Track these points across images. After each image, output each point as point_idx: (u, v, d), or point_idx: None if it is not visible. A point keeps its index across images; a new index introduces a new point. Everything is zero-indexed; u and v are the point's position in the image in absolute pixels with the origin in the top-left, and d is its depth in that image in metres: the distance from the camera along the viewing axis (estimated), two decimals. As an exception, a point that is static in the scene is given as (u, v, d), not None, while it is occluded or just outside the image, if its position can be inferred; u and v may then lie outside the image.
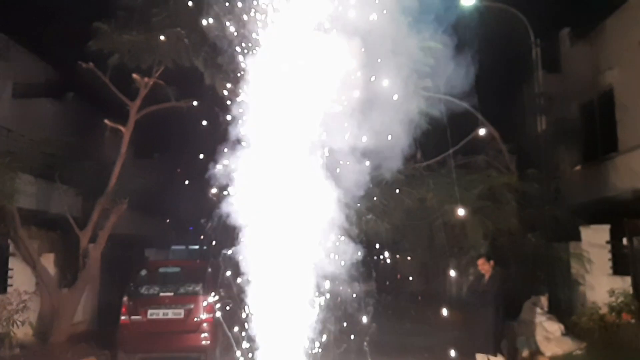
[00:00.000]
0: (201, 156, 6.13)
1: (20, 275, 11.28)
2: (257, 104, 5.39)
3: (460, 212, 8.10)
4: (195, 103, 11.11)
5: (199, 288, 9.62)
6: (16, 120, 13.13)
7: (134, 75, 10.97)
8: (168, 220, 21.47)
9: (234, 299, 5.54)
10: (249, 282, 5.20)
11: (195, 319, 9.47)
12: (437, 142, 9.53)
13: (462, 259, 10.85)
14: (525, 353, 9.16)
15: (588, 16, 13.23)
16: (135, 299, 9.64)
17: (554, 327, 9.23)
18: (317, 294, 5.26)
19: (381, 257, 9.71)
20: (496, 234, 10.20)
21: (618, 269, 10.03)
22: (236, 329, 5.49)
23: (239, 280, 5.35)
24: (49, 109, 15.13)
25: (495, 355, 7.55)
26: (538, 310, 9.54)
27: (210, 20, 5.98)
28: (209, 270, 9.46)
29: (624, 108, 11.78)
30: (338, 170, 5.43)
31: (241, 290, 5.26)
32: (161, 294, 9.73)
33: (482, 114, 10.80)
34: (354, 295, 5.64)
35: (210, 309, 9.37)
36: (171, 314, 9.55)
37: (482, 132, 10.09)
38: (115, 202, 11.36)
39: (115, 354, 9.58)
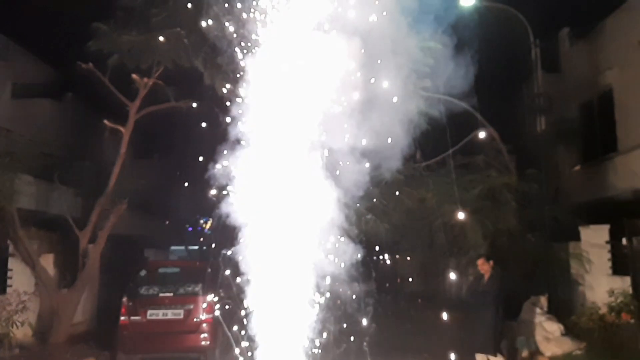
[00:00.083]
0: (201, 157, 6.13)
1: (19, 276, 11.28)
2: (256, 104, 5.39)
3: (460, 215, 8.09)
4: (194, 104, 11.12)
5: (198, 288, 9.62)
6: (15, 120, 13.11)
7: (134, 76, 10.98)
8: (167, 221, 21.46)
9: (234, 299, 5.54)
10: (248, 282, 5.20)
11: (195, 320, 9.47)
12: (437, 142, 9.53)
13: (462, 259, 10.85)
14: (524, 353, 9.16)
15: (587, 16, 13.24)
16: (134, 299, 9.63)
17: (554, 327, 9.24)
18: (316, 294, 5.26)
19: (380, 257, 9.70)
20: (496, 234, 10.19)
21: (617, 269, 10.03)
22: (236, 329, 5.49)
23: (238, 280, 5.35)
24: (48, 110, 15.10)
25: (495, 355, 7.56)
26: (538, 310, 9.54)
27: (210, 21, 5.98)
28: (209, 270, 9.46)
29: (623, 108, 11.78)
30: (337, 170, 5.43)
31: (241, 291, 5.26)
32: (161, 295, 9.73)
33: (482, 114, 10.81)
34: (354, 296, 5.64)
35: (210, 309, 9.37)
36: (171, 314, 9.55)
37: (482, 134, 10.08)
38: (115, 202, 11.36)
39: (115, 354, 9.58)
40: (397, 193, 9.81)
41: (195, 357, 9.51)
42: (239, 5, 5.59)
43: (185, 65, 10.20)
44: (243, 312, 5.27)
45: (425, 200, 10.24)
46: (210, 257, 7.37)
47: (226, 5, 5.69)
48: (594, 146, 12.82)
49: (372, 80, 5.57)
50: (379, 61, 5.59)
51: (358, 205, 7.00)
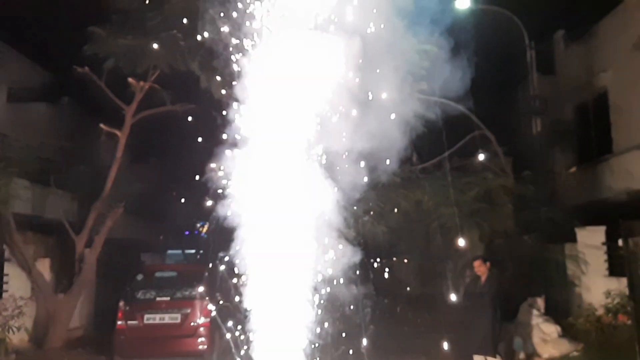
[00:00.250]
0: (197, 160, 6.13)
1: (15, 281, 11.23)
2: (253, 107, 5.39)
3: (461, 242, 8.04)
4: (191, 107, 11.13)
5: (195, 292, 9.60)
6: (11, 125, 13.09)
7: (130, 80, 10.97)
8: (164, 225, 21.42)
9: (231, 302, 5.53)
10: (246, 285, 5.19)
11: (192, 324, 9.45)
12: (433, 144, 9.55)
13: (459, 261, 10.86)
14: (521, 355, 9.17)
15: (582, 19, 13.30)
16: (131, 303, 9.61)
17: (551, 329, 9.25)
18: (314, 296, 5.26)
19: (378, 260, 9.72)
20: (492, 236, 10.21)
21: (614, 270, 10.04)
22: (233, 332, 5.48)
23: (235, 284, 5.35)
24: (44, 114, 15.07)
25: (494, 357, 7.56)
26: (535, 312, 9.56)
27: (206, 24, 5.99)
28: (206, 274, 9.45)
29: (618, 110, 11.84)
30: (334, 173, 5.44)
31: (238, 294, 5.25)
32: (157, 299, 9.70)
33: (478, 116, 10.85)
34: (352, 298, 5.64)
35: (207, 313, 9.35)
36: (168, 318, 9.53)
37: (481, 157, 10.07)
38: (111, 206, 11.34)
39: (112, 359, 9.54)
40: (393, 196, 9.83)
41: (193, 361, 9.49)
42: (235, 8, 5.59)
43: (182, 69, 10.20)
44: (240, 316, 5.26)
45: (421, 203, 10.26)
46: (208, 260, 7.35)
47: (222, 14, 5.69)
48: (589, 148, 12.86)
49: (369, 84, 5.58)
50: (375, 64, 5.61)
51: (355, 208, 7.01)
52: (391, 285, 19.52)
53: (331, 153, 5.48)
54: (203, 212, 5.69)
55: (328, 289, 5.34)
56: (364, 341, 5.83)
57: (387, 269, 20.60)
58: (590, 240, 10.30)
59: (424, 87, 8.28)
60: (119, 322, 9.50)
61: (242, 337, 5.27)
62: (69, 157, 12.06)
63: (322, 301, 5.33)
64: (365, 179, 5.75)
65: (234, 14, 5.57)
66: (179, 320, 9.48)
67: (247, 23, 5.53)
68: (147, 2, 10.07)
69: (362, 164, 5.62)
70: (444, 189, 9.57)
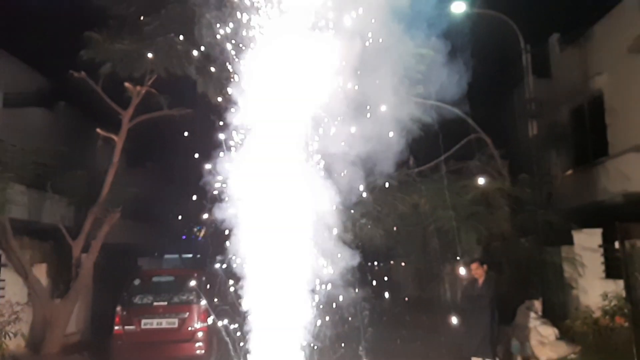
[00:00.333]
0: (194, 165, 6.13)
1: (12, 286, 11.17)
2: (249, 111, 5.40)
3: (462, 271, 8.05)
4: (188, 111, 11.13)
5: (192, 297, 9.59)
6: (7, 130, 13.05)
7: (126, 84, 10.96)
8: (161, 229, 21.39)
9: (229, 306, 5.53)
10: (243, 289, 5.19)
11: (190, 328, 9.43)
12: (430, 148, 9.58)
13: (456, 264, 10.87)
14: (519, 358, 9.17)
15: (577, 22, 13.37)
16: (128, 308, 9.59)
17: (548, 332, 9.26)
18: (312, 299, 5.26)
19: (376, 263, 9.73)
20: (489, 239, 10.23)
21: (611, 272, 10.07)
22: (232, 336, 5.47)
23: (233, 288, 5.34)
24: (40, 119, 15.05)
25: (492, 359, 7.56)
26: (532, 314, 9.56)
27: (203, 29, 6.00)
28: (203, 278, 9.44)
29: (613, 112, 11.89)
30: (332, 176, 5.45)
31: (236, 298, 5.25)
32: (155, 304, 9.68)
33: (474, 119, 10.89)
34: (350, 302, 5.64)
35: (205, 317, 9.33)
36: (165, 323, 9.50)
37: (480, 182, 10.06)
38: (108, 211, 11.31)
39: (109, 364, 9.52)
40: (390, 199, 9.85)
41: (191, 365, 9.46)
42: (232, 14, 5.61)
43: (178, 73, 10.20)
44: (239, 319, 5.26)
45: (418, 206, 10.27)
46: (205, 265, 7.35)
47: (218, 25, 5.70)
48: (585, 150, 12.91)
49: (365, 88, 5.60)
50: (371, 68, 5.63)
51: (352, 211, 7.01)
52: (389, 288, 19.56)
53: (328, 156, 5.49)
54: (200, 216, 5.70)
55: (326, 292, 5.34)
56: (362, 344, 5.83)
57: (385, 272, 20.64)
58: (587, 242, 10.33)
59: (420, 90, 8.32)
60: (117, 327, 9.48)
61: (241, 340, 5.27)
62: (66, 162, 12.01)
63: (320, 304, 5.33)
64: (362, 183, 5.76)
65: (231, 15, 5.59)
66: (176, 325, 9.46)
67: (244, 28, 5.55)
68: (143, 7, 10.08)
69: (359, 167, 5.64)
70: (441, 192, 9.59)
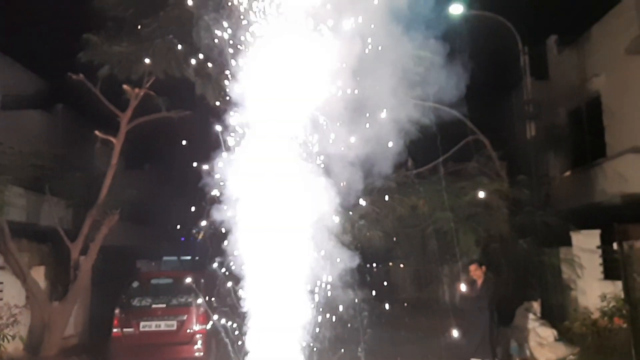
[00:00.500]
0: (192, 166, 6.13)
1: (10, 289, 11.14)
2: (248, 112, 5.40)
3: (462, 288, 7.97)
4: (186, 113, 11.13)
5: (191, 299, 9.57)
6: (5, 132, 13.04)
7: (125, 86, 10.96)
8: (160, 231, 21.36)
9: (228, 308, 5.52)
10: (242, 291, 5.19)
11: (188, 330, 9.41)
12: (428, 149, 9.60)
13: (455, 265, 10.88)
14: (518, 359, 9.17)
15: (574, 23, 13.42)
16: (127, 311, 9.57)
17: (547, 333, 9.27)
18: (311, 301, 5.26)
19: (375, 264, 9.74)
20: (488, 240, 10.24)
21: (609, 273, 10.08)
22: (231, 338, 5.47)
23: (232, 289, 5.34)
24: (38, 121, 15.04)
25: (492, 360, 7.57)
26: (531, 316, 9.57)
27: (201, 31, 6.00)
28: (202, 280, 9.43)
29: (611, 114, 11.92)
30: (330, 178, 5.45)
31: (235, 300, 5.25)
32: (153, 306, 9.67)
33: (472, 121, 10.91)
34: (349, 303, 5.64)
35: (203, 319, 9.32)
36: (164, 325, 9.49)
37: (480, 195, 9.97)
38: (107, 213, 11.29)
39: (108, 367, 9.50)
40: (389, 200, 9.85)
41: (189, 368, 9.44)
42: (230, 15, 5.62)
43: (177, 75, 10.20)
44: (238, 321, 5.26)
45: (417, 208, 10.28)
46: (204, 266, 7.34)
47: (217, 29, 5.70)
48: (583, 152, 12.93)
49: (364, 90, 5.61)
50: (370, 70, 5.64)
51: (351, 213, 7.02)
52: (388, 289, 19.57)
53: (327, 158, 5.49)
54: (199, 218, 5.70)
55: (325, 294, 5.35)
56: (361, 345, 5.83)
57: (383, 274, 20.64)
58: (585, 244, 10.34)
59: (418, 92, 8.32)
60: (115, 330, 9.45)
61: (240, 342, 5.26)
62: (64, 164, 12.01)
63: (319, 306, 5.33)
64: (361, 184, 5.77)
65: (229, 18, 5.59)
66: (175, 328, 9.44)
67: (242, 30, 5.55)
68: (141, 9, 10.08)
69: (358, 169, 5.64)
70: (439, 194, 9.60)
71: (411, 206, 10.31)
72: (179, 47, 9.71)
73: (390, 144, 5.86)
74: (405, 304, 17.15)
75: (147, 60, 9.89)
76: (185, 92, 10.46)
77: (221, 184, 5.41)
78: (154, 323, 9.49)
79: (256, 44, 5.52)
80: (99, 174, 11.76)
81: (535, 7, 14.91)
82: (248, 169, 5.23)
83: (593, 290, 9.89)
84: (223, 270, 5.39)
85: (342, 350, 5.81)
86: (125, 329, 9.43)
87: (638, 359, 8.17)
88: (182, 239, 23.98)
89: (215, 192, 5.47)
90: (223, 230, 5.29)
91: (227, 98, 5.57)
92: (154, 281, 10.70)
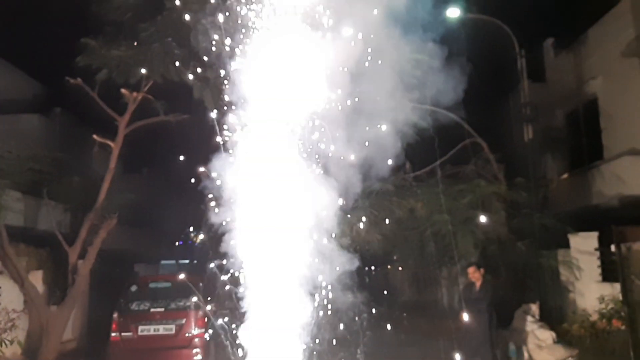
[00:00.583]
0: (190, 170, 6.13)
1: (8, 293, 11.11)
2: (246, 113, 5.41)
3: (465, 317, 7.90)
4: (184, 116, 11.14)
5: (189, 303, 9.56)
6: (2, 136, 13.03)
7: (123, 90, 10.96)
8: (158, 235, 21.35)
9: (227, 311, 5.52)
10: (241, 294, 5.19)
11: (187, 334, 9.40)
12: (426, 152, 9.61)
13: (453, 268, 10.89)
14: (517, 361, 9.19)
15: (571, 26, 13.47)
16: (125, 315, 9.55)
17: (546, 335, 9.27)
18: (310, 303, 5.26)
19: (373, 267, 9.75)
20: (486, 243, 10.25)
21: (607, 275, 10.10)
22: (229, 341, 5.46)
23: (230, 293, 5.34)
24: (36, 125, 15.03)
25: (491, 363, 7.57)
26: (529, 318, 9.57)
27: (199, 35, 6.02)
28: (200, 284, 9.42)
29: (608, 116, 11.97)
30: (328, 180, 5.46)
31: (234, 303, 5.25)
32: (152, 310, 9.65)
33: (469, 124, 10.94)
34: (348, 306, 5.65)
35: (202, 323, 9.31)
36: (162, 329, 9.47)
37: (482, 220, 9.88)
38: (105, 217, 11.28)
39: (106, 371, 9.48)
40: (387, 203, 9.87)
41: (188, 372, 9.42)
42: (227, 18, 5.63)
43: (175, 79, 10.21)
44: (237, 324, 5.25)
45: (415, 211, 10.30)
46: (202, 270, 7.34)
47: (214, 23, 5.71)
48: (580, 154, 12.98)
49: (361, 92, 5.63)
50: (367, 73, 5.65)
51: (349, 216, 7.02)
52: (387, 292, 19.57)
53: (325, 161, 5.50)
54: (196, 221, 5.70)
55: (324, 296, 5.35)
56: (361, 347, 5.82)
57: (382, 276, 20.64)
58: (583, 246, 10.36)
59: (416, 95, 8.34)
60: (113, 334, 9.44)
61: (239, 345, 5.26)
62: (62, 169, 12.00)
63: (318, 309, 5.33)
64: (359, 187, 5.78)
65: (227, 21, 5.60)
66: (173, 331, 9.43)
67: (240, 31, 5.57)
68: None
69: (356, 172, 5.65)
70: (437, 197, 9.62)
71: (409, 209, 10.32)
72: (177, 51, 9.73)
73: (388, 147, 5.87)
74: (404, 307, 17.16)
75: (143, 71, 9.95)
76: (183, 96, 10.47)
77: (219, 185, 5.41)
78: (152, 327, 9.48)
79: (254, 45, 5.53)
80: (97, 178, 11.75)
81: (532, 11, 14.98)
82: (246, 170, 5.23)
83: (591, 293, 9.91)
84: (222, 273, 5.38)
85: (341, 352, 5.80)
86: (123, 333, 9.41)
87: (636, 360, 8.18)
88: (180, 242, 23.99)
89: (213, 195, 5.47)
90: (221, 233, 5.29)
91: (225, 100, 5.58)
92: (152, 285, 10.68)
